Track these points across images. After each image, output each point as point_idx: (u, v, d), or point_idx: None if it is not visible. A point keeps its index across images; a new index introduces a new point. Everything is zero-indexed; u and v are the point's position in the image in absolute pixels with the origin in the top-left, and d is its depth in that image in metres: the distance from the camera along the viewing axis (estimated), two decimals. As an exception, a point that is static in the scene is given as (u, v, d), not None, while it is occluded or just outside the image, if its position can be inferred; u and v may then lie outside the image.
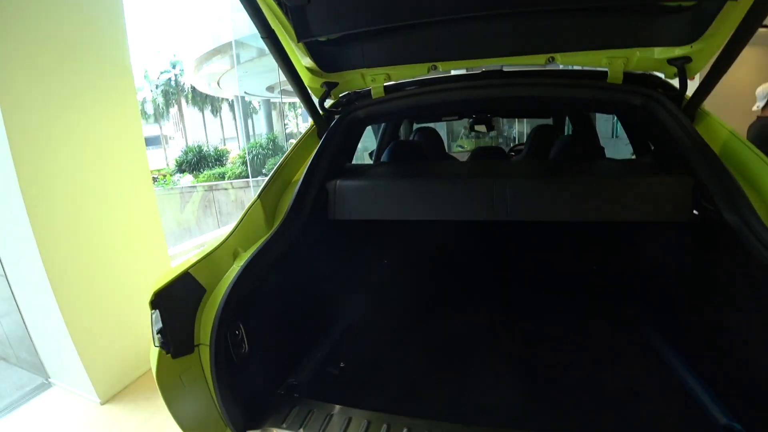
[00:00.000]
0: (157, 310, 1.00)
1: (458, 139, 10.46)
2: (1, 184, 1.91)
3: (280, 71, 1.46)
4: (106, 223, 2.24)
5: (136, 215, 2.42)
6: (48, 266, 1.96)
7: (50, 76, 1.98)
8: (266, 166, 16.02)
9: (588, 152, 2.11)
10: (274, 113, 25.20)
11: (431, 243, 2.08)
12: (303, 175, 1.51)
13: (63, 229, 2.03)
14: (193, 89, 28.92)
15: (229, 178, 16.30)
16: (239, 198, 13.22)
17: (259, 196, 1.43)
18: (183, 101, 31.93)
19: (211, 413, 1.07)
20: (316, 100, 1.66)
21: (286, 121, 29.11)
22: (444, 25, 1.46)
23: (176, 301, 1.04)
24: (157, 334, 1.00)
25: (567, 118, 3.47)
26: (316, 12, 1.37)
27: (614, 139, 6.66)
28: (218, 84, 19.70)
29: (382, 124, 3.03)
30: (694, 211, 1.29)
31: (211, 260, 1.16)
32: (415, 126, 3.32)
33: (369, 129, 2.98)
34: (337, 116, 1.69)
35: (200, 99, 31.02)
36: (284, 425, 1.10)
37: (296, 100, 2.34)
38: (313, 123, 1.72)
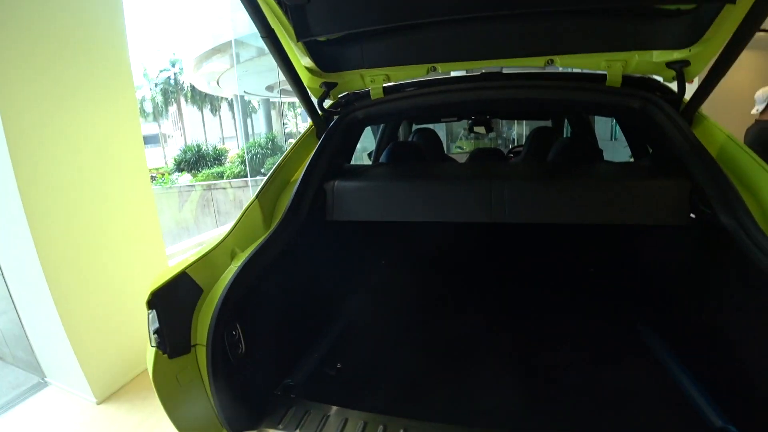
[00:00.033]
0: (154, 310, 0.99)
1: (457, 141, 10.49)
2: (-2, 182, 1.91)
3: (280, 71, 1.46)
4: (104, 222, 2.23)
5: (134, 214, 2.41)
6: (45, 265, 1.96)
7: (48, 74, 1.97)
8: (265, 166, 16.02)
9: (586, 155, 2.11)
10: (273, 113, 25.22)
11: (429, 244, 2.08)
12: (301, 175, 1.50)
13: (60, 227, 2.03)
14: (193, 88, 28.92)
15: (227, 177, 16.30)
16: (237, 197, 13.21)
17: (257, 196, 1.42)
18: (182, 100, 31.91)
19: (207, 414, 1.07)
20: (315, 101, 1.66)
21: (285, 121, 29.14)
22: (444, 27, 1.47)
23: (173, 301, 1.04)
24: (153, 334, 1.00)
25: (566, 120, 3.48)
26: (315, 12, 1.37)
27: (613, 142, 6.69)
28: (218, 83, 19.70)
29: (381, 125, 3.03)
30: (692, 215, 1.29)
31: (208, 260, 1.16)
32: (414, 127, 3.32)
33: (368, 130, 2.99)
34: (336, 117, 1.69)
35: (199, 98, 31.02)
36: (281, 426, 1.10)
37: (295, 99, 2.34)
38: (312, 123, 1.72)
